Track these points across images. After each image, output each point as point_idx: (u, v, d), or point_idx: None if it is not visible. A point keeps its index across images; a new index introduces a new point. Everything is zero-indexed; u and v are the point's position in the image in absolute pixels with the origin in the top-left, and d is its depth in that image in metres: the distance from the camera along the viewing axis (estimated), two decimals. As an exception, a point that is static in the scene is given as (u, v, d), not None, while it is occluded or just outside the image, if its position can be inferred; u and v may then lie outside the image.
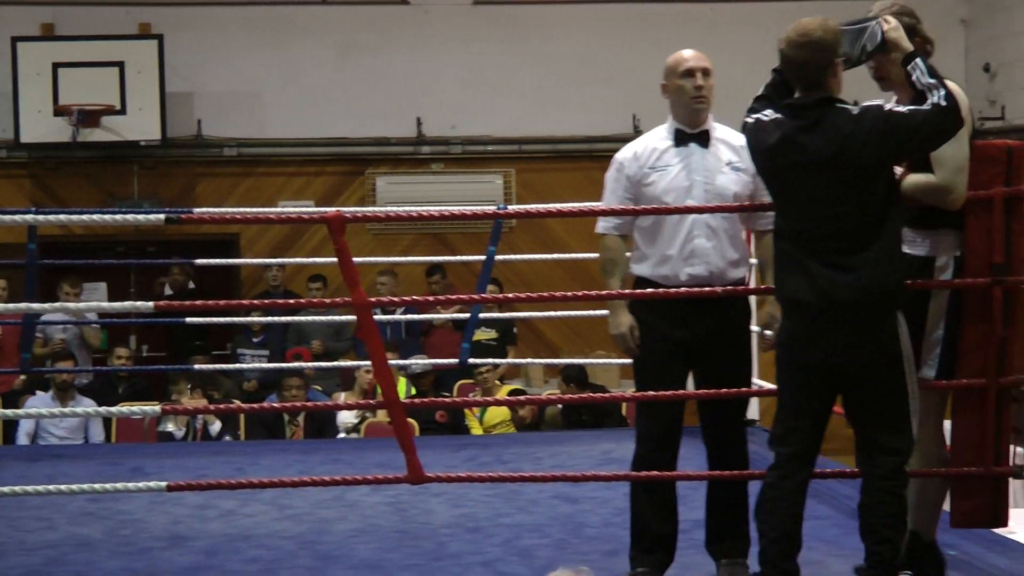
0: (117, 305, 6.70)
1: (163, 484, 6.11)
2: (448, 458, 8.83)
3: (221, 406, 10.71)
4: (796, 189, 5.16)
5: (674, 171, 5.71)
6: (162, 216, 5.99)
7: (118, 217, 6.08)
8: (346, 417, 11.10)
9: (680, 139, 5.74)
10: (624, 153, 5.83)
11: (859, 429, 5.23)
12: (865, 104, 5.12)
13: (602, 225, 5.83)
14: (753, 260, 5.94)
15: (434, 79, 14.56)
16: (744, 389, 5.81)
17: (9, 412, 9.63)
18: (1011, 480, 5.66)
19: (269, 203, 14.16)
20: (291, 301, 12.27)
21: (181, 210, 11.42)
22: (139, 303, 6.26)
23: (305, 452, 9.49)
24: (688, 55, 5.76)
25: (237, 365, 12.34)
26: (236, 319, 11.89)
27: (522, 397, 11.12)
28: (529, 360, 12.56)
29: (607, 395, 10.15)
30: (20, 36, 13.75)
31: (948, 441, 5.63)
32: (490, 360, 11.38)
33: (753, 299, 6.63)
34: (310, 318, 11.27)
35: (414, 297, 8.62)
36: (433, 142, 14.62)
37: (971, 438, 5.51)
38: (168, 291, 13.71)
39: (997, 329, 5.41)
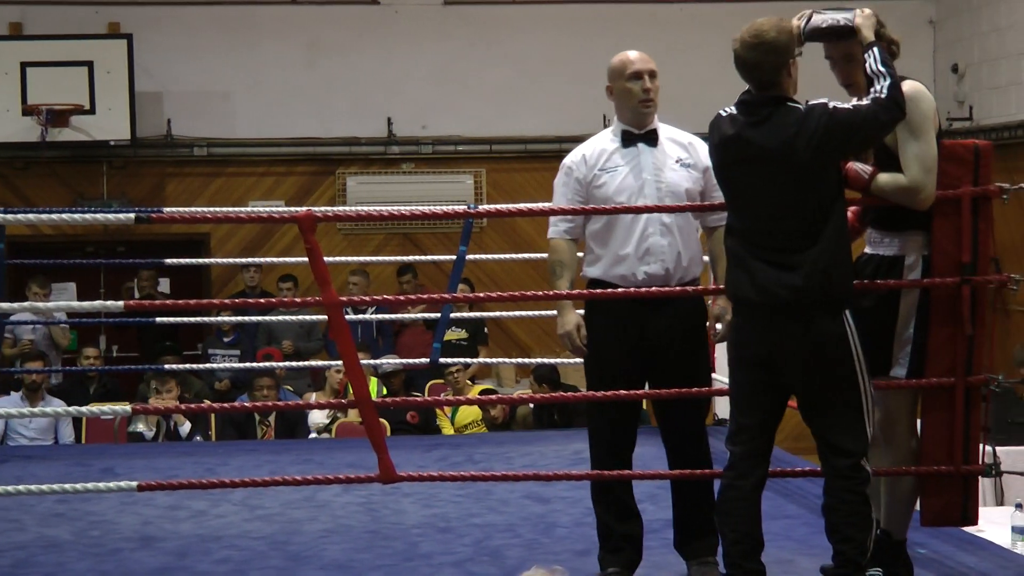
0: (87, 304, 6.65)
1: (134, 484, 6.10)
2: (419, 458, 8.83)
3: (192, 406, 10.67)
4: (743, 185, 5.18)
5: (624, 171, 5.72)
6: (132, 215, 5.95)
7: (87, 216, 6.05)
8: (317, 417, 11.08)
9: (628, 140, 5.75)
10: (572, 157, 5.83)
11: (812, 429, 5.24)
12: (811, 102, 5.12)
13: (551, 229, 5.83)
14: (705, 257, 5.94)
15: (404, 79, 14.56)
16: (702, 389, 5.80)
17: (-23, 413, 9.59)
18: (981, 479, 5.69)
19: (239, 203, 14.16)
20: (262, 300, 12.24)
21: (151, 210, 11.39)
22: (109, 303, 6.23)
23: (276, 452, 9.47)
24: (634, 57, 5.77)
25: (208, 365, 12.31)
26: (206, 319, 11.86)
27: (493, 396, 11.12)
28: (500, 360, 12.56)
29: (578, 395, 10.13)
30: (-12, 35, 13.72)
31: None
32: (461, 360, 11.38)
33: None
34: (281, 318, 11.24)
35: (385, 297, 8.58)
36: (403, 142, 14.62)
37: (941, 437, 5.53)
38: (136, 295, 13.67)
39: (965, 328, 5.43)
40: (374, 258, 13.68)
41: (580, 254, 5.90)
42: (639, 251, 5.68)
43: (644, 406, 7.62)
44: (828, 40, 5.34)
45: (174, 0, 14.39)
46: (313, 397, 11.54)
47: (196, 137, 14.37)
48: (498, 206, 10.53)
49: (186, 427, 10.83)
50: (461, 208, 11.00)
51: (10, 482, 7.63)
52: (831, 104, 5.07)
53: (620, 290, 5.67)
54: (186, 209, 12.05)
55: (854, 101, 5.11)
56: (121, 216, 5.98)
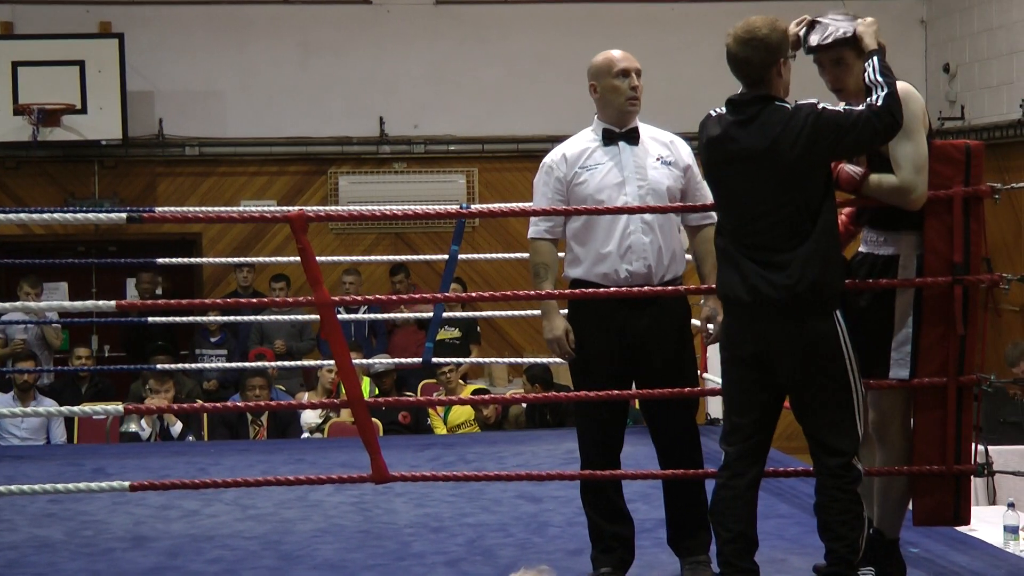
0: (79, 304, 6.63)
1: (126, 484, 6.08)
2: (412, 458, 8.83)
3: (184, 405, 10.66)
4: (730, 184, 5.18)
5: (605, 169, 5.71)
6: (123, 215, 5.94)
7: (79, 216, 6.04)
8: (310, 417, 11.08)
9: (609, 138, 5.75)
10: (552, 156, 5.81)
11: (804, 428, 5.24)
12: (799, 102, 5.12)
13: (532, 230, 5.81)
14: (688, 256, 5.93)
15: (396, 79, 14.56)
16: (689, 388, 5.78)
17: (-31, 413, 9.56)
18: (973, 478, 5.69)
19: (231, 203, 14.15)
20: (253, 300, 12.23)
21: (142, 209, 11.37)
22: (101, 302, 6.22)
23: (268, 452, 9.47)
24: (620, 55, 5.76)
25: (197, 365, 12.30)
26: (198, 319, 11.85)
27: (486, 396, 11.11)
28: (493, 359, 12.57)
29: (570, 394, 10.13)
30: (-21, 35, 13.71)
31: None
32: (453, 360, 11.39)
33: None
34: (273, 317, 11.24)
35: (377, 296, 8.63)
36: (395, 141, 14.62)
37: (933, 436, 5.53)
38: (136, 292, 13.67)
39: (957, 328, 5.43)
40: (366, 257, 13.68)
41: (560, 254, 5.89)
42: (621, 249, 5.67)
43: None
44: (819, 52, 5.34)
45: (166, 0, 14.38)
46: (305, 397, 11.54)
47: (188, 137, 14.36)
48: (490, 206, 10.52)
49: (177, 427, 10.82)
50: (453, 208, 10.99)
51: (2, 482, 7.63)
52: (820, 105, 5.07)
53: (604, 290, 5.66)
54: (177, 209, 12.06)
55: (843, 105, 5.11)
56: (113, 216, 5.98)
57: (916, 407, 5.54)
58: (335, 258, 12.74)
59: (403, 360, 10.86)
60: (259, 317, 11.39)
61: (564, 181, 5.74)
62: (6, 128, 13.44)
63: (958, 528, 6.24)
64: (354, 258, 13.17)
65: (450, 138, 14.68)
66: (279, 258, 12.45)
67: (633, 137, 5.75)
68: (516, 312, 11.36)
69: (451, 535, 6.81)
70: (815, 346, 5.09)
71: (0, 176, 14.16)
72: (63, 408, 9.41)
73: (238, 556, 6.51)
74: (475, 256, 11.82)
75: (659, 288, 5.67)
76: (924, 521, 5.67)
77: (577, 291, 5.71)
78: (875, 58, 5.15)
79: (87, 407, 9.12)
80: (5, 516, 7.36)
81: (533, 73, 14.57)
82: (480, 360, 12.37)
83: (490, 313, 12.76)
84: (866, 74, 5.13)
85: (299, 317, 11.42)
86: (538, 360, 10.86)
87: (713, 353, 9.27)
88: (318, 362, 11.32)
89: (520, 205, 9.38)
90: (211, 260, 13.85)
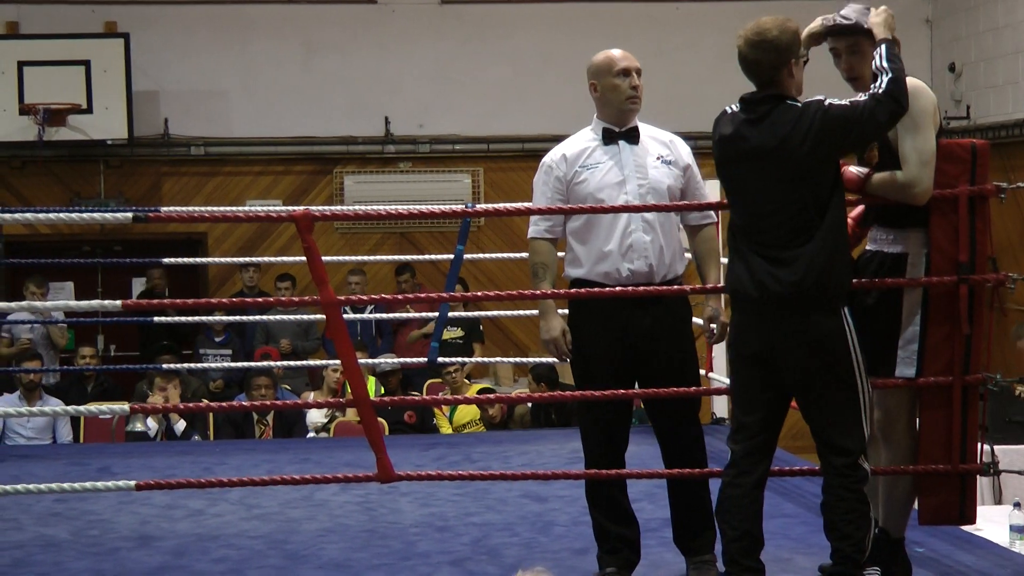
0: (84, 304, 6.64)
1: (132, 483, 6.08)
2: (417, 457, 8.83)
3: (190, 405, 10.67)
4: (741, 182, 5.21)
5: (605, 168, 5.70)
6: (129, 214, 5.93)
7: (85, 216, 6.03)
8: (315, 416, 11.08)
9: (608, 137, 5.74)
10: (552, 155, 5.80)
11: (811, 427, 5.25)
12: (807, 100, 5.15)
13: (532, 229, 5.79)
14: (688, 255, 5.93)
15: (401, 78, 14.57)
16: (691, 387, 5.78)
17: (-25, 412, 9.57)
18: (979, 477, 5.69)
19: (236, 202, 14.17)
20: (259, 300, 12.24)
21: (148, 209, 11.38)
22: (107, 302, 6.22)
23: (274, 451, 9.47)
24: (620, 55, 5.76)
25: (202, 364, 12.30)
26: (203, 319, 11.87)
27: (491, 396, 11.11)
28: (498, 359, 12.57)
29: (575, 393, 10.13)
30: (-16, 35, 13.72)
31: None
32: (459, 359, 11.39)
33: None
34: (278, 317, 11.25)
35: (383, 296, 8.61)
36: (400, 141, 14.62)
37: (938, 436, 5.53)
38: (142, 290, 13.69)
39: (963, 327, 5.43)
40: (371, 257, 13.68)
41: (560, 254, 5.89)
42: (622, 248, 5.66)
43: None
44: (833, 38, 5.37)
45: (171, 0, 14.39)
46: (311, 396, 11.54)
47: (193, 136, 14.37)
48: (495, 205, 10.52)
49: (180, 425, 10.82)
50: (459, 207, 11.00)
51: (8, 481, 7.63)
52: (827, 101, 5.09)
53: (607, 289, 5.66)
54: (183, 208, 12.06)
55: (851, 97, 5.13)
56: (118, 215, 5.97)
57: (922, 406, 5.54)
58: (340, 258, 12.74)
59: (409, 360, 10.86)
60: (265, 317, 11.39)
61: (564, 180, 5.73)
62: (12, 128, 13.45)
63: (964, 528, 6.24)
64: (359, 258, 13.17)
65: (455, 137, 14.68)
66: (284, 258, 12.46)
67: (633, 136, 5.75)
68: (521, 312, 11.36)
69: (456, 534, 6.82)
70: (821, 343, 5.09)
71: (6, 176, 14.17)
72: (69, 407, 9.42)
73: (243, 555, 6.52)
74: (480, 256, 11.82)
75: (663, 287, 5.67)
76: (929, 520, 5.67)
77: (582, 291, 5.70)
78: (884, 45, 5.18)
79: (93, 406, 9.15)
80: (11, 515, 7.37)
81: (538, 72, 14.57)
82: (485, 360, 12.38)
83: (495, 313, 12.77)
84: (874, 61, 5.15)
85: (304, 317, 11.42)
86: (543, 360, 10.86)
87: (719, 352, 9.29)
88: (324, 362, 11.33)
89: (526, 205, 9.37)
90: (217, 260, 13.86)
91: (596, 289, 5.66)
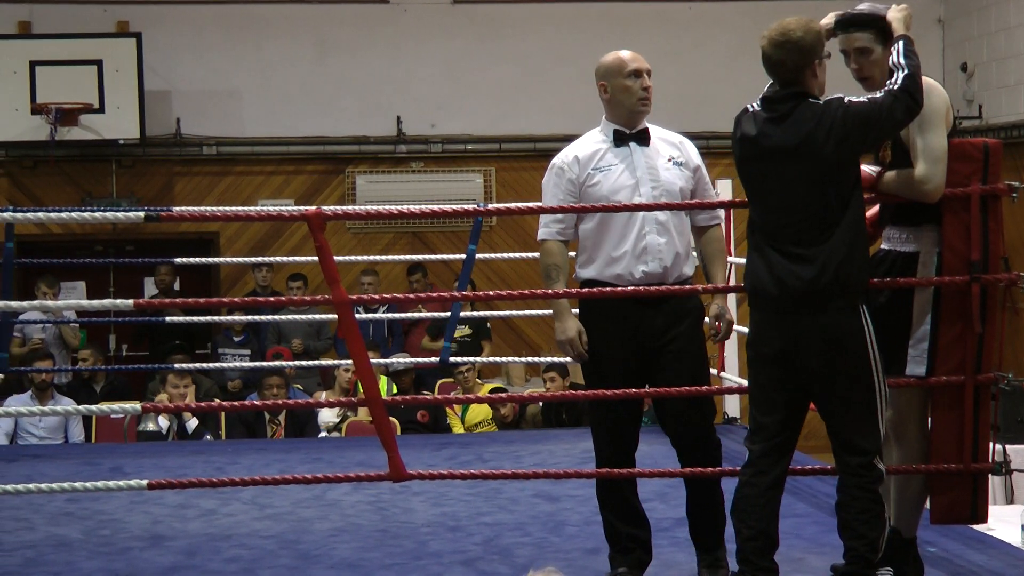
0: (96, 303, 6.65)
1: (143, 483, 6.09)
2: (429, 457, 8.83)
3: (202, 404, 10.69)
4: (762, 180, 5.21)
5: (618, 170, 5.69)
6: (141, 214, 5.94)
7: (97, 215, 6.04)
8: (327, 416, 11.09)
9: (619, 139, 5.72)
10: (563, 157, 5.77)
11: (827, 426, 5.25)
12: (827, 98, 5.16)
13: (543, 231, 5.76)
14: (693, 253, 5.92)
15: (413, 78, 14.57)
16: (703, 388, 5.76)
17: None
18: (990, 477, 5.68)
19: (248, 202, 14.18)
20: (271, 299, 12.24)
21: (160, 208, 11.39)
22: (118, 301, 6.23)
23: (286, 451, 9.48)
24: (630, 56, 5.74)
25: (217, 364, 12.30)
26: (214, 318, 11.88)
27: (503, 394, 11.11)
28: (510, 359, 12.57)
29: (587, 393, 10.13)
30: (-3, 34, 13.73)
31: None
32: (471, 359, 11.39)
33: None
34: (291, 317, 11.26)
35: (395, 295, 8.62)
36: (412, 141, 14.63)
37: (950, 435, 5.52)
38: (154, 290, 13.69)
39: (975, 326, 5.42)
40: (384, 257, 13.70)
41: (571, 254, 5.88)
42: (636, 250, 5.65)
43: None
44: (844, 30, 5.36)
45: (183, 0, 14.43)
46: (323, 396, 11.54)
47: (205, 136, 14.38)
48: (507, 204, 10.52)
49: (192, 422, 10.82)
50: (471, 206, 11.00)
51: (20, 481, 7.64)
52: (846, 98, 5.11)
53: (619, 288, 5.64)
54: (195, 208, 12.07)
55: (869, 95, 5.13)
56: (130, 215, 5.97)
57: (933, 405, 5.53)
58: (352, 257, 12.76)
59: (421, 359, 10.87)
60: (277, 316, 11.41)
61: (577, 183, 5.71)
62: (24, 127, 13.47)
63: (976, 527, 6.23)
64: (371, 257, 13.18)
65: (467, 137, 14.68)
66: (296, 258, 12.47)
67: (644, 138, 5.73)
68: (533, 312, 11.37)
69: (468, 534, 6.82)
70: (841, 342, 5.09)
71: (18, 175, 14.19)
72: (82, 407, 9.43)
73: (255, 555, 6.52)
74: (492, 256, 11.83)
75: (674, 287, 5.66)
76: (941, 520, 5.66)
77: (594, 290, 5.69)
78: (902, 42, 5.20)
79: (105, 406, 9.15)
80: (23, 515, 7.38)
81: (549, 72, 14.56)
82: (497, 359, 12.39)
83: (507, 312, 12.77)
84: (891, 57, 5.17)
85: (316, 317, 11.43)
86: (555, 359, 10.86)
87: (730, 352, 9.29)
88: (335, 361, 11.33)
89: (538, 204, 9.37)
90: (228, 260, 13.86)
91: (608, 289, 5.65)
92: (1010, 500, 9.17)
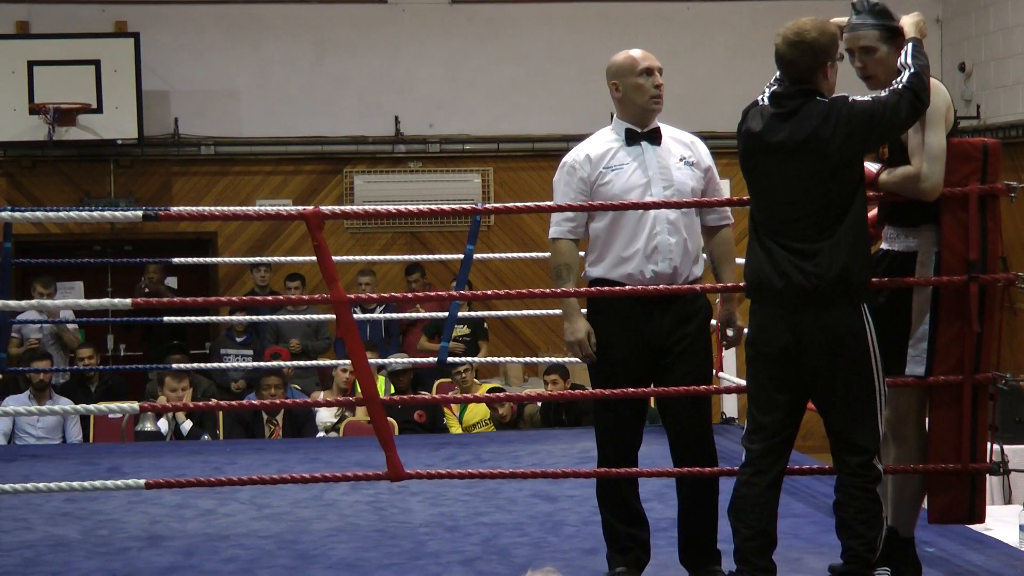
0: (95, 302, 6.65)
1: (141, 483, 6.08)
2: (427, 457, 8.83)
3: (200, 404, 10.68)
4: (765, 175, 5.21)
5: (630, 169, 5.67)
6: (139, 213, 5.93)
7: (95, 215, 6.04)
8: (325, 416, 11.09)
9: (631, 138, 5.71)
10: (575, 155, 5.76)
11: (827, 425, 5.25)
12: (834, 96, 5.17)
13: (554, 229, 5.74)
14: (704, 255, 5.92)
15: (411, 78, 14.57)
16: (709, 387, 5.76)
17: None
18: (988, 477, 5.68)
19: (246, 202, 14.18)
20: (269, 299, 12.24)
21: (158, 208, 11.39)
22: (116, 300, 6.22)
23: (284, 451, 9.47)
24: (641, 54, 5.73)
25: (216, 364, 12.30)
26: (213, 319, 11.87)
27: (502, 394, 11.11)
28: (508, 359, 12.58)
29: (586, 392, 10.14)
30: (-6, 34, 13.73)
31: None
32: (469, 359, 11.39)
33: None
34: (289, 317, 11.26)
35: (393, 294, 8.62)
36: (410, 141, 14.62)
37: (948, 434, 5.52)
38: (144, 289, 13.68)
39: (973, 325, 5.42)
40: (382, 257, 13.69)
41: (580, 253, 5.87)
42: (647, 249, 5.64)
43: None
44: (850, 30, 5.37)
45: (181, 0, 14.42)
46: (321, 396, 11.54)
47: (203, 136, 14.38)
48: (506, 204, 10.51)
49: (187, 425, 10.81)
50: (469, 205, 11.00)
51: (18, 481, 7.64)
52: (851, 97, 5.13)
53: (627, 288, 5.63)
54: (193, 208, 12.07)
55: (873, 94, 5.15)
56: (128, 214, 5.97)
57: (932, 405, 5.54)
58: (350, 257, 12.76)
59: (419, 360, 10.87)
60: (276, 316, 11.40)
61: (588, 181, 5.70)
62: (22, 127, 13.47)
63: (974, 528, 6.23)
64: (369, 257, 13.19)
65: (465, 137, 14.68)
66: (294, 257, 12.47)
67: (656, 137, 5.72)
68: (531, 312, 11.37)
69: (466, 534, 6.81)
70: (843, 340, 5.10)
71: (16, 175, 14.19)
72: (80, 407, 9.42)
73: (253, 555, 6.52)
74: (490, 256, 11.84)
75: (680, 287, 5.64)
76: (939, 519, 5.66)
77: (604, 289, 5.67)
78: (911, 44, 5.23)
79: (103, 405, 9.15)
80: (21, 515, 7.38)
81: (548, 72, 14.57)
82: (496, 359, 12.39)
83: (505, 312, 12.76)
84: (900, 58, 5.20)
85: (315, 317, 11.43)
86: (554, 360, 10.86)
87: (728, 351, 9.28)
88: (334, 361, 11.33)
89: (536, 203, 9.37)
90: (226, 260, 13.86)
91: (617, 288, 5.64)
92: (1008, 500, 9.17)
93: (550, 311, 10.32)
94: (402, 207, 6.31)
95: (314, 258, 5.64)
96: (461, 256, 9.37)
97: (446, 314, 9.84)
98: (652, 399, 6.07)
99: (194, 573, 6.25)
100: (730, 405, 9.96)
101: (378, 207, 9.74)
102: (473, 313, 12.18)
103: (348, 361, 8.58)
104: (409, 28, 14.60)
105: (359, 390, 5.89)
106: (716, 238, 5.81)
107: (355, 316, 8.36)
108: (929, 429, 5.56)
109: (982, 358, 5.48)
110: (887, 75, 5.26)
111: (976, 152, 5.46)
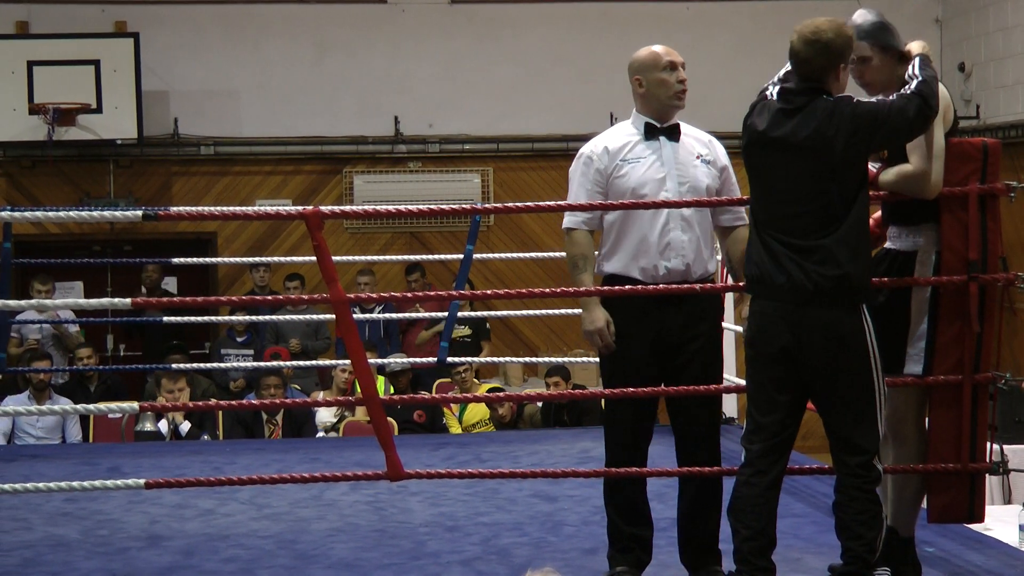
0: (94, 302, 6.65)
1: (141, 482, 6.08)
2: (427, 456, 8.83)
3: (200, 403, 10.67)
4: (768, 171, 5.22)
5: (647, 163, 5.66)
6: (139, 213, 5.93)
7: (95, 215, 6.04)
8: (325, 416, 11.09)
9: (650, 132, 5.69)
10: (593, 147, 5.74)
11: (826, 425, 5.25)
12: (839, 96, 5.18)
13: (570, 220, 5.72)
14: (718, 256, 5.91)
15: (411, 78, 14.57)
16: (719, 386, 5.76)
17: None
18: (988, 477, 5.68)
19: (246, 202, 14.18)
20: (269, 299, 12.24)
21: (158, 208, 11.39)
22: (116, 300, 6.22)
23: (283, 451, 9.47)
24: (664, 50, 5.71)
25: (216, 364, 12.30)
26: (212, 318, 11.87)
27: (501, 394, 11.11)
28: (508, 359, 12.57)
29: (586, 392, 10.16)
30: (-6, 34, 13.73)
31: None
32: (469, 359, 11.39)
33: (729, 296, 6.57)
34: (289, 317, 11.26)
35: (392, 294, 8.61)
36: (410, 141, 14.62)
37: (948, 434, 5.53)
38: (142, 289, 13.68)
39: (973, 325, 5.43)
40: (381, 257, 13.69)
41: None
42: (660, 245, 5.63)
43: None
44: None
45: (181, 0, 14.42)
46: (321, 396, 11.54)
47: (203, 136, 14.38)
48: (506, 203, 10.51)
49: (185, 426, 10.80)
50: (469, 205, 11.00)
51: (17, 481, 7.64)
52: (856, 98, 5.15)
53: (639, 287, 5.62)
54: (193, 208, 12.08)
55: (877, 98, 5.16)
56: (128, 214, 5.97)
57: (931, 405, 5.54)
58: (350, 257, 12.76)
59: (419, 359, 10.87)
60: (275, 316, 11.40)
61: (604, 173, 5.68)
62: (22, 127, 13.47)
63: (974, 527, 6.23)
64: (369, 257, 13.19)
65: (465, 137, 14.68)
66: (294, 258, 12.47)
67: (674, 133, 5.70)
68: (531, 312, 11.37)
69: (466, 534, 6.81)
70: (842, 339, 5.10)
71: (16, 175, 14.19)
72: (79, 407, 9.42)
73: (253, 555, 6.52)
74: (490, 256, 11.83)
75: (698, 285, 5.62)
76: (938, 519, 5.67)
77: (604, 288, 5.66)
78: (919, 58, 5.26)
79: (103, 405, 9.15)
80: (21, 515, 7.38)
81: (548, 72, 14.57)
82: (495, 359, 12.39)
83: (505, 312, 12.77)
84: (908, 71, 5.22)
85: (314, 316, 11.43)
86: (553, 359, 10.86)
87: (727, 351, 9.27)
88: (333, 361, 11.33)
89: (536, 203, 9.37)
90: (226, 260, 13.86)
91: (628, 287, 5.62)
92: (1008, 500, 9.17)
93: (550, 311, 10.34)
94: (402, 207, 6.31)
95: (314, 258, 5.64)
96: (461, 256, 9.37)
97: (446, 314, 9.84)
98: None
99: (194, 573, 6.25)
100: (729, 405, 9.95)
101: (378, 207, 9.75)
102: (473, 313, 12.18)
103: (348, 361, 8.58)
104: (409, 28, 14.60)
105: (359, 390, 5.88)
106: (731, 237, 5.79)
107: (355, 316, 8.37)
108: (929, 429, 5.57)
109: (982, 358, 5.48)
110: (884, 83, 5.28)
111: (976, 152, 5.47)
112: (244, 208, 12.54)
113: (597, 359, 5.92)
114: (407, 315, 12.37)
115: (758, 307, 5.26)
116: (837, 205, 5.09)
